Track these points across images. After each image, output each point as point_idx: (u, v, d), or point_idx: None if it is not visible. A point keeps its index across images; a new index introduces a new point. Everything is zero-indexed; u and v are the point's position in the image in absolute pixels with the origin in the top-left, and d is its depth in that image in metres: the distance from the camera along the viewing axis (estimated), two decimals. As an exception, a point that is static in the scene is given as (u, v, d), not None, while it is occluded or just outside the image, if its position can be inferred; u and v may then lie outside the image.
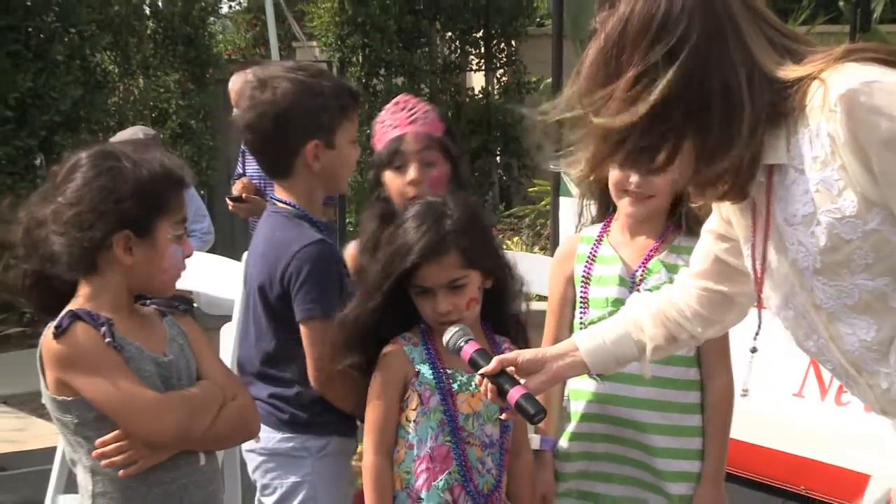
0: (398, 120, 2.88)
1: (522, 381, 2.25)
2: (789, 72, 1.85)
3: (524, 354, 2.29)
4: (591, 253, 2.82)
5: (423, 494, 2.52)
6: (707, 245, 2.21)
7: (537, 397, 2.25)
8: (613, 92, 1.85)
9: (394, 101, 2.96)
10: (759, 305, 2.07)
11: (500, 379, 2.25)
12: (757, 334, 2.10)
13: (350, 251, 2.98)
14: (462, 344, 2.40)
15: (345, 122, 2.81)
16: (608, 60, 1.87)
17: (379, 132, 2.94)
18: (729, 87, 1.83)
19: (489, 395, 2.27)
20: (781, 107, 1.85)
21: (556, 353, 2.30)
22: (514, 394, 2.22)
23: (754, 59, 1.85)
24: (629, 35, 1.85)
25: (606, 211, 2.87)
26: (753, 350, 2.12)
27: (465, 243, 2.52)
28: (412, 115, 2.88)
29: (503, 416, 2.38)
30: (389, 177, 2.89)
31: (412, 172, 2.83)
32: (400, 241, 2.54)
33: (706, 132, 1.85)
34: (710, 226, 2.20)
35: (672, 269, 2.68)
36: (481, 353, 2.35)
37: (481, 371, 2.27)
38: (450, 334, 2.43)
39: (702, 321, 2.23)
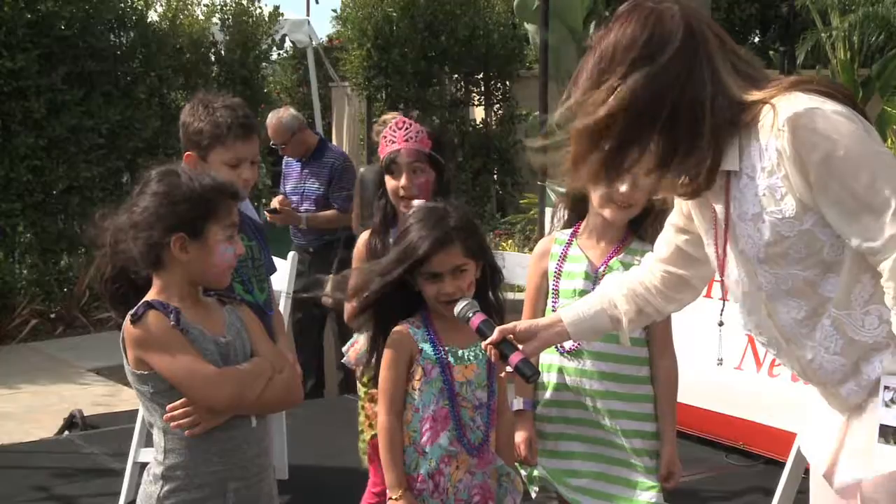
0: (397, 137, 3.05)
1: (520, 346, 2.23)
2: (747, 95, 1.84)
3: (520, 325, 2.28)
4: (562, 253, 2.82)
5: (428, 448, 2.50)
6: (669, 236, 2.20)
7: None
8: (592, 96, 1.83)
9: (395, 121, 3.11)
10: (724, 289, 2.04)
11: (503, 346, 2.24)
12: (722, 311, 2.10)
13: (363, 237, 3.13)
14: (470, 315, 2.38)
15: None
16: (596, 73, 1.86)
17: (382, 144, 3.10)
18: (695, 102, 1.81)
19: (493, 358, 2.26)
20: (738, 123, 1.84)
21: (545, 324, 2.29)
22: (514, 359, 2.22)
23: (721, 82, 1.83)
24: (617, 52, 1.83)
25: (576, 219, 2.86)
26: (720, 324, 2.11)
27: (466, 238, 2.51)
28: (406, 134, 3.05)
29: (503, 375, 2.35)
30: (388, 180, 3.07)
31: (403, 180, 3.02)
32: (413, 235, 2.51)
33: (674, 139, 1.83)
34: (672, 220, 2.19)
35: (627, 267, 2.66)
36: (487, 322, 2.34)
37: (488, 341, 2.25)
38: (460, 306, 2.41)
39: (664, 298, 2.22)
